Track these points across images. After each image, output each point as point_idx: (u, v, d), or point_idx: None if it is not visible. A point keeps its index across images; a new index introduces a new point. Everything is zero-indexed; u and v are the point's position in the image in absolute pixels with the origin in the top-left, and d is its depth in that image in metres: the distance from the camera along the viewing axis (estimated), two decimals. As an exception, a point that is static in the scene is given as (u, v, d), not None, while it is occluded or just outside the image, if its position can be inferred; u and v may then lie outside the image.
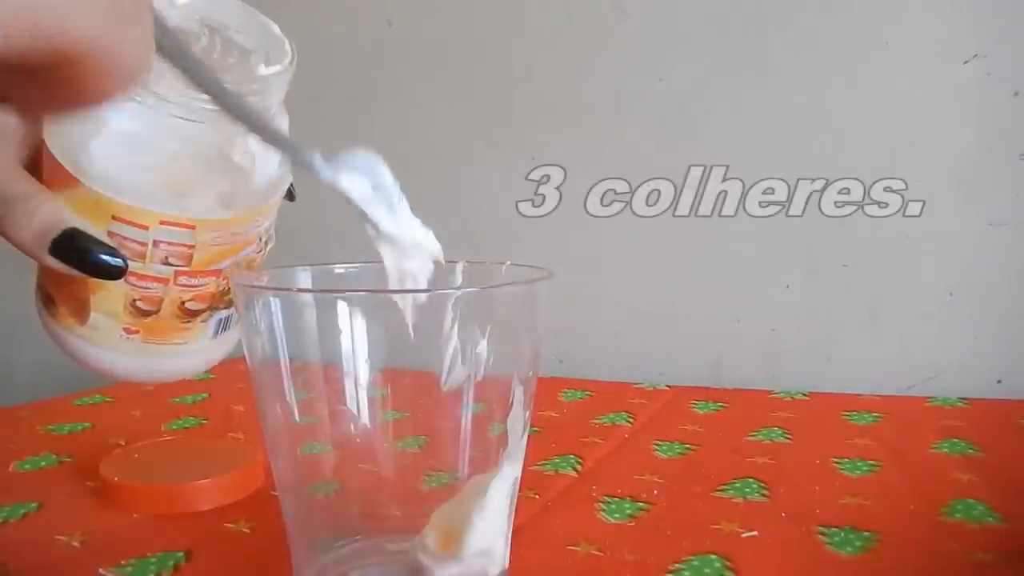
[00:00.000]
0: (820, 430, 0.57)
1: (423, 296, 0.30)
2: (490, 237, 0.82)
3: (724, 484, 0.45)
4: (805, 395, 0.67)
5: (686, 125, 0.76)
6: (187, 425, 0.60)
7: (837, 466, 0.48)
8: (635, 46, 0.77)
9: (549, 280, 0.31)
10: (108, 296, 0.31)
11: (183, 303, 0.32)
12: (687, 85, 0.75)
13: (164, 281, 0.31)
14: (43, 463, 0.50)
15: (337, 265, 0.35)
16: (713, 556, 0.36)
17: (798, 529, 0.39)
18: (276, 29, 0.32)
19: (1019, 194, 0.67)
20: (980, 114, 0.67)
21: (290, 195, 0.35)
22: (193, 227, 0.30)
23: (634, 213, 0.78)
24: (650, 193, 0.77)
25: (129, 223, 0.29)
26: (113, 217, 0.29)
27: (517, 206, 0.81)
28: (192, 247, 0.30)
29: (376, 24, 0.85)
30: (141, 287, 0.31)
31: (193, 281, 0.31)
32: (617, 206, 0.78)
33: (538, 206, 0.81)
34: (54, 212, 0.28)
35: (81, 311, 0.31)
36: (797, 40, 0.71)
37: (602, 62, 0.78)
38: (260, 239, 0.33)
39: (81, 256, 0.28)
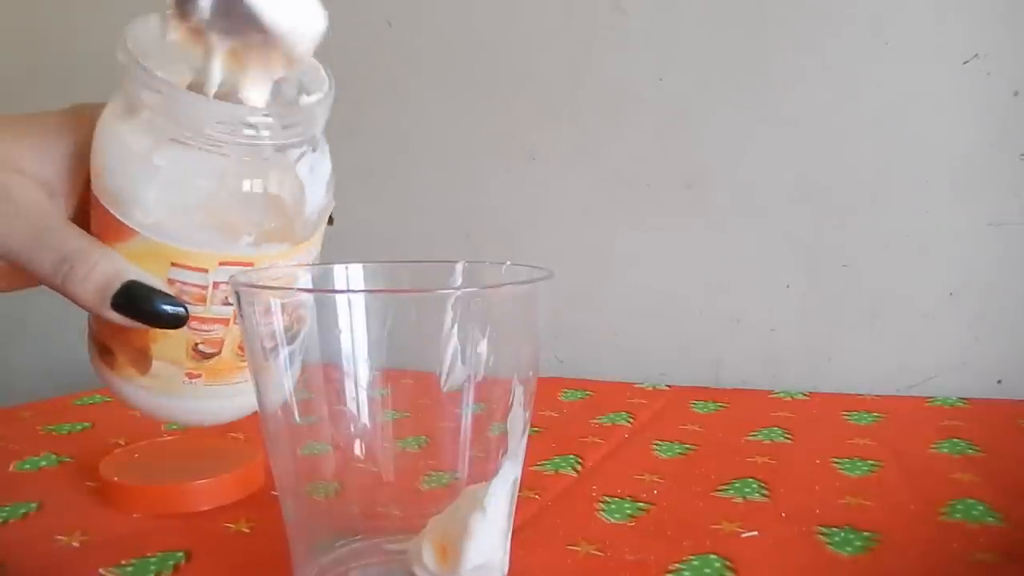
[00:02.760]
0: (820, 430, 0.57)
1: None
2: (490, 237, 0.82)
3: (724, 484, 0.45)
4: (805, 395, 0.67)
5: (686, 125, 0.76)
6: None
7: (837, 466, 0.48)
8: (635, 46, 0.77)
9: (549, 280, 0.31)
10: (169, 343, 0.31)
11: (242, 344, 0.32)
12: (687, 85, 0.75)
13: (225, 322, 0.31)
14: (43, 463, 0.50)
15: (337, 265, 0.35)
16: (713, 556, 0.36)
17: (798, 529, 0.39)
18: (311, 58, 0.32)
19: (1019, 194, 0.67)
20: (980, 114, 0.67)
21: (330, 219, 0.35)
22: (251, 264, 0.30)
23: (634, 213, 0.78)
24: (651, 193, 0.77)
25: (188, 268, 0.29)
26: (172, 264, 0.29)
27: (517, 206, 0.82)
28: None
29: (376, 24, 0.85)
30: (203, 330, 0.31)
31: None
32: (617, 206, 0.78)
33: (538, 205, 0.81)
34: (112, 265, 0.29)
35: (142, 361, 0.32)
36: (797, 40, 0.71)
37: (602, 62, 0.78)
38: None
39: (142, 308, 0.29)
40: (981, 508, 0.41)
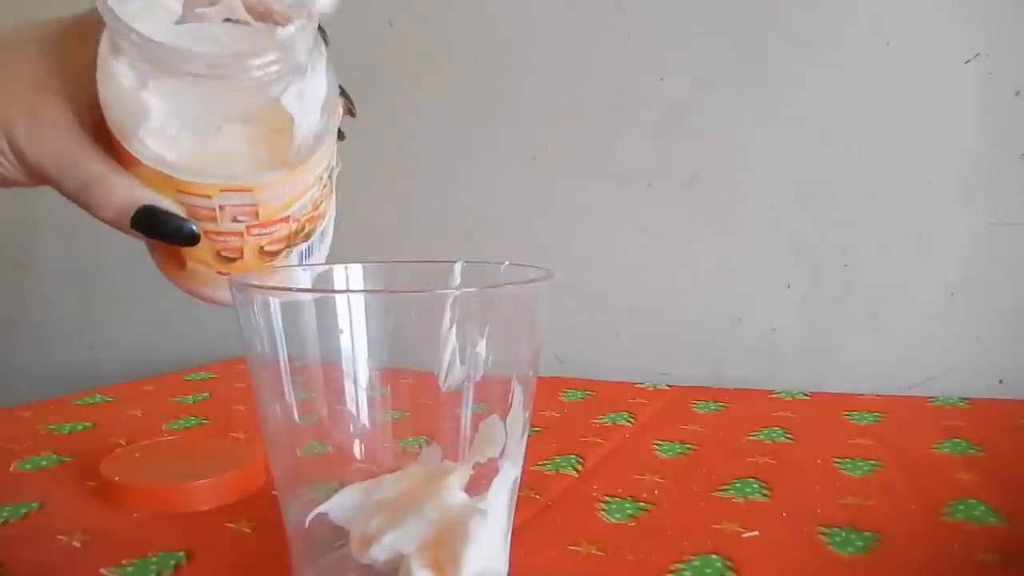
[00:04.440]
0: (821, 430, 0.57)
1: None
2: (490, 237, 0.82)
3: (725, 484, 0.45)
4: (806, 395, 0.67)
5: (686, 124, 0.76)
6: (188, 425, 0.60)
7: (838, 466, 0.48)
8: (635, 46, 0.76)
9: (549, 280, 0.31)
10: (196, 250, 0.33)
11: (262, 248, 0.34)
12: (687, 85, 0.75)
13: (239, 234, 0.33)
14: (44, 463, 0.50)
15: (337, 265, 0.35)
16: (714, 556, 0.36)
17: (799, 529, 0.39)
18: None
19: (1020, 194, 0.67)
20: (981, 114, 0.67)
21: (340, 134, 0.36)
22: (251, 190, 0.32)
23: (634, 213, 0.78)
24: (651, 193, 0.77)
25: (192, 194, 0.31)
26: (178, 191, 0.31)
27: (517, 206, 0.82)
28: (255, 205, 0.32)
29: (377, 24, 0.85)
30: (220, 241, 0.33)
31: (265, 231, 0.33)
32: (618, 206, 0.78)
33: (538, 206, 0.81)
34: (128, 190, 0.31)
35: (179, 261, 0.34)
36: (797, 40, 0.71)
37: (602, 62, 0.78)
38: (320, 179, 0.34)
39: (156, 228, 0.32)
40: (982, 508, 0.40)
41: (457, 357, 0.29)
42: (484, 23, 0.82)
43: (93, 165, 0.31)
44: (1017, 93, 0.66)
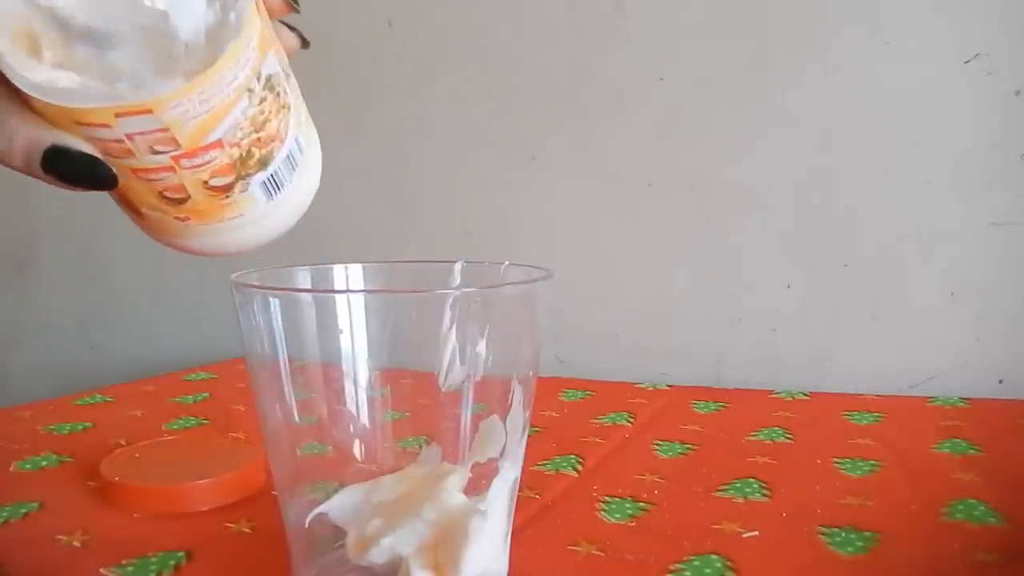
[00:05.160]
0: (821, 430, 0.57)
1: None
2: (490, 237, 0.82)
3: (725, 484, 0.45)
4: (806, 395, 0.67)
5: (686, 125, 0.76)
6: (188, 425, 0.60)
7: (838, 466, 0.48)
8: (635, 46, 0.76)
9: (549, 280, 0.31)
10: (138, 194, 0.29)
11: (206, 183, 0.29)
12: (687, 85, 0.75)
13: (169, 169, 0.28)
14: (44, 463, 0.50)
15: (337, 265, 0.35)
16: (714, 556, 0.36)
17: (799, 529, 0.39)
18: None
19: (1020, 194, 0.67)
20: (981, 114, 0.67)
21: (304, 41, 0.32)
22: (149, 110, 0.26)
23: (634, 213, 0.78)
24: (651, 193, 0.77)
25: (92, 125, 0.27)
26: (75, 123, 0.27)
27: (517, 206, 0.82)
28: (167, 130, 0.27)
29: (376, 24, 0.85)
30: (155, 179, 0.28)
31: (196, 160, 0.28)
32: (617, 205, 0.78)
33: (538, 205, 0.81)
34: (31, 132, 0.27)
35: (134, 209, 0.30)
36: (797, 40, 0.71)
37: (602, 62, 0.78)
38: (249, 91, 0.28)
39: (67, 171, 0.27)
40: (982, 508, 0.40)
41: (457, 357, 0.29)
42: (484, 23, 0.82)
43: None
44: (1017, 93, 0.66)
